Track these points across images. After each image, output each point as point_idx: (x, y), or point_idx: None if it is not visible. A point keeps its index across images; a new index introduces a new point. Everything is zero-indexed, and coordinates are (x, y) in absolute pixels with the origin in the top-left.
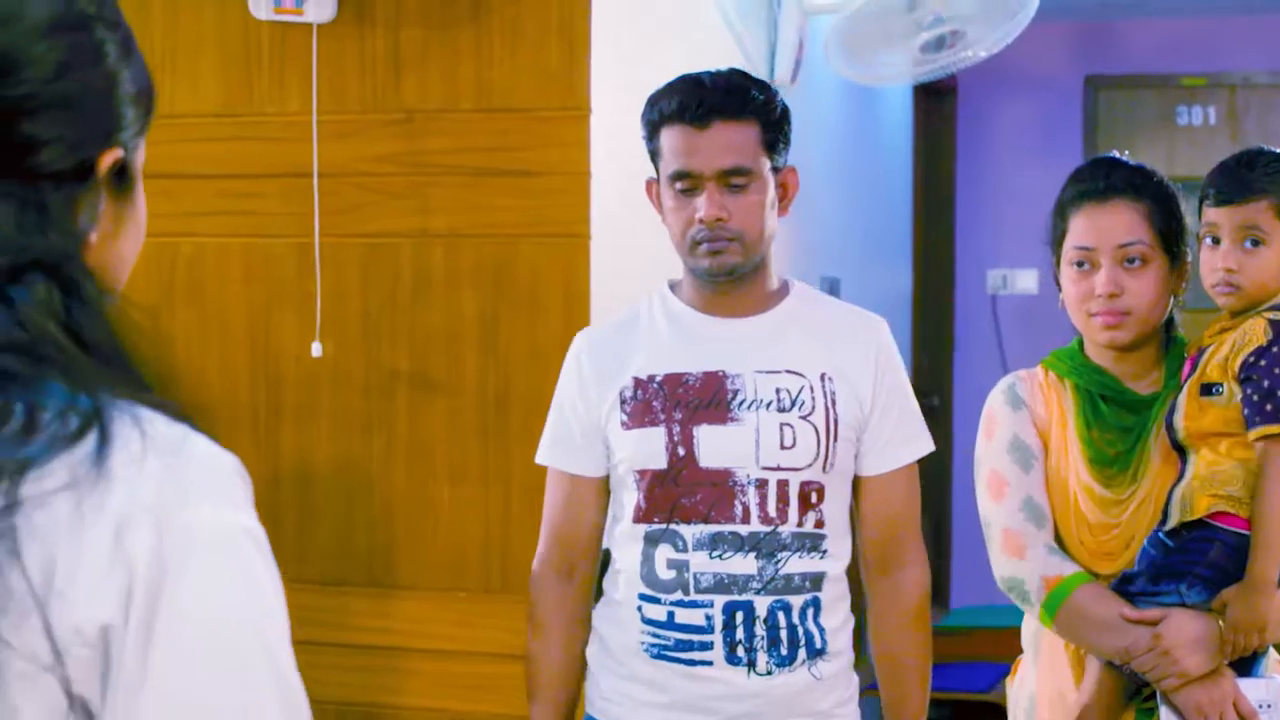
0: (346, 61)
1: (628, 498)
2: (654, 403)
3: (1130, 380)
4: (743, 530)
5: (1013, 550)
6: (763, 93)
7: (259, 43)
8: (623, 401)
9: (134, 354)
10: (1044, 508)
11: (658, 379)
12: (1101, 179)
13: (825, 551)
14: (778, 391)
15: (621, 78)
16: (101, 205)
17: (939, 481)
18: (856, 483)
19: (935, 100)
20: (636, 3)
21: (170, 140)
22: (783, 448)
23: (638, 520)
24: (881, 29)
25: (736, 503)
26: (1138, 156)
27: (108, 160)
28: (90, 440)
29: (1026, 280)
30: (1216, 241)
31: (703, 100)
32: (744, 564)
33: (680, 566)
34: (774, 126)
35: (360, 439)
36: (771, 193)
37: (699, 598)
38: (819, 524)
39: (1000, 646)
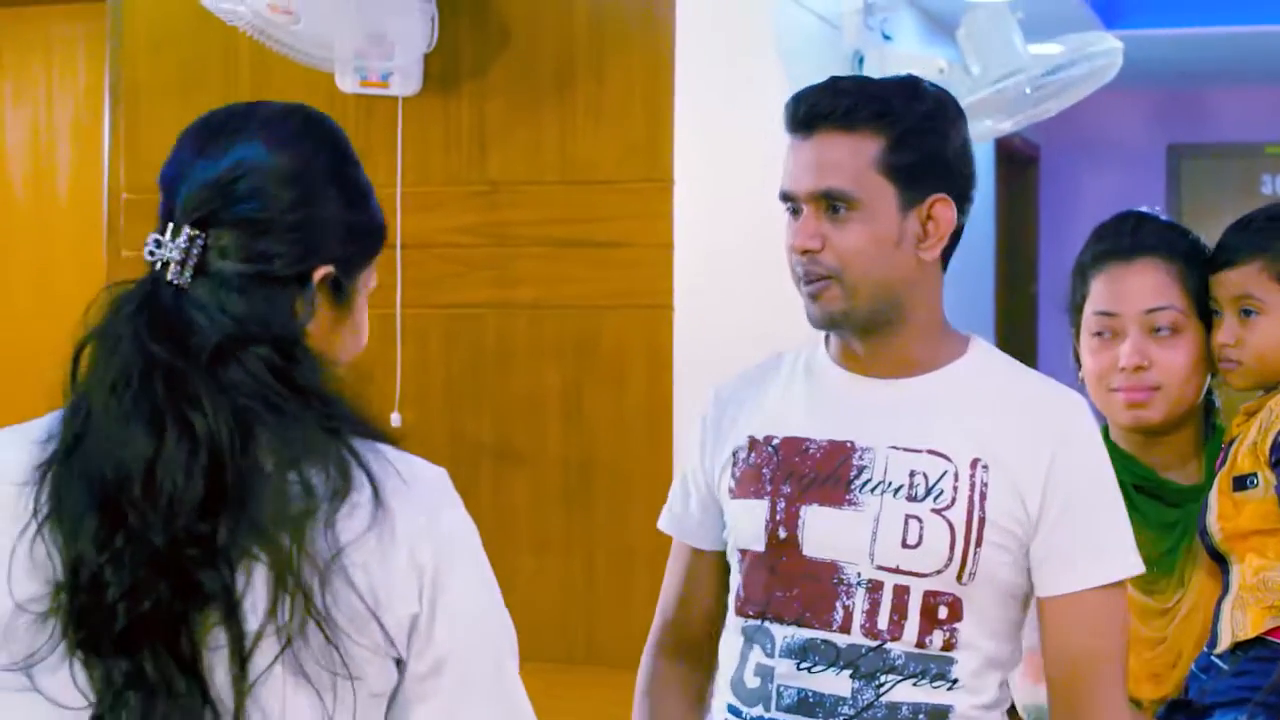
0: (431, 134)
1: (734, 582)
2: (764, 469)
3: (1164, 471)
4: (839, 640)
5: (1036, 675)
6: (902, 99)
7: (344, 115)
8: (734, 463)
9: (342, 399)
10: None
11: (775, 441)
12: (1127, 236)
13: (955, 681)
14: (911, 475)
15: (705, 149)
16: (317, 305)
17: None
18: (1037, 606)
19: (1018, 169)
20: (720, 74)
21: None
22: (905, 545)
23: (738, 611)
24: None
25: (838, 605)
26: (1221, 225)
27: (319, 273)
28: (365, 487)
29: None
30: (1216, 313)
31: (803, 101)
32: (835, 683)
33: (766, 675)
34: (908, 144)
35: None
36: (895, 227)
37: (779, 716)
38: (948, 645)
39: None
